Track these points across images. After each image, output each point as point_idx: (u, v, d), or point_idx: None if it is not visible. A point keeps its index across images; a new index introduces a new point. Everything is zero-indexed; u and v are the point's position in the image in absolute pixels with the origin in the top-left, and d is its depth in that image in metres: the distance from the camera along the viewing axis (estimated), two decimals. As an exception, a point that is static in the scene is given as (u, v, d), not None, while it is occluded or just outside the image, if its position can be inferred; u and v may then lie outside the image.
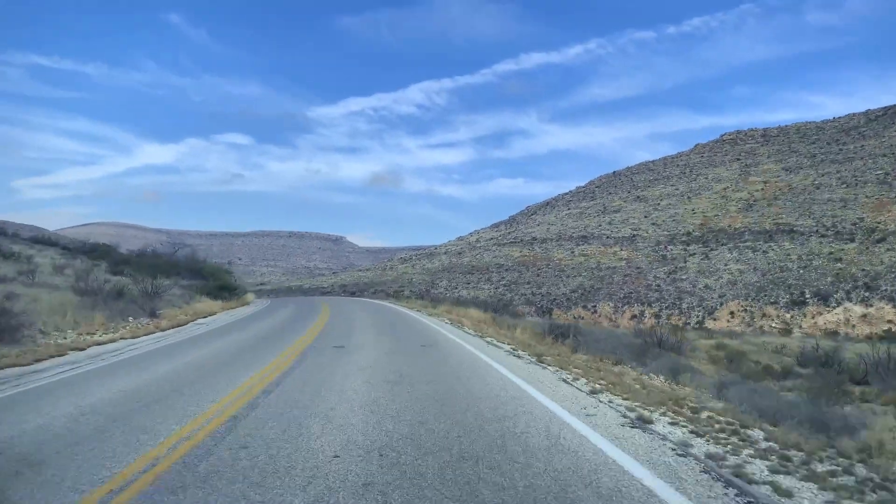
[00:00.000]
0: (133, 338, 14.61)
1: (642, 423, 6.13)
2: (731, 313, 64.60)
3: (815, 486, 4.30)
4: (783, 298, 63.13)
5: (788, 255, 72.67)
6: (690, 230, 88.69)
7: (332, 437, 5.39)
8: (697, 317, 64.63)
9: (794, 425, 6.05)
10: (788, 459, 4.86)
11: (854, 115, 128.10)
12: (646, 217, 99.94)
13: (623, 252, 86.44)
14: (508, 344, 14.58)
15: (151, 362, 10.76)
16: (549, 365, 11.01)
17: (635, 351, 14.28)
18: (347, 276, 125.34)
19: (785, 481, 4.37)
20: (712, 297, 67.57)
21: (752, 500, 4.00)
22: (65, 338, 13.57)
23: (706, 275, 73.48)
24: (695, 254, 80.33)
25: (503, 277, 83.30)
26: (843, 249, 70.36)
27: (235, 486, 4.12)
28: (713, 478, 4.39)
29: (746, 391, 8.74)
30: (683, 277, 74.44)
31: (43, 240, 40.07)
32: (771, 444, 5.27)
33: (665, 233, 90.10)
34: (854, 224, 75.15)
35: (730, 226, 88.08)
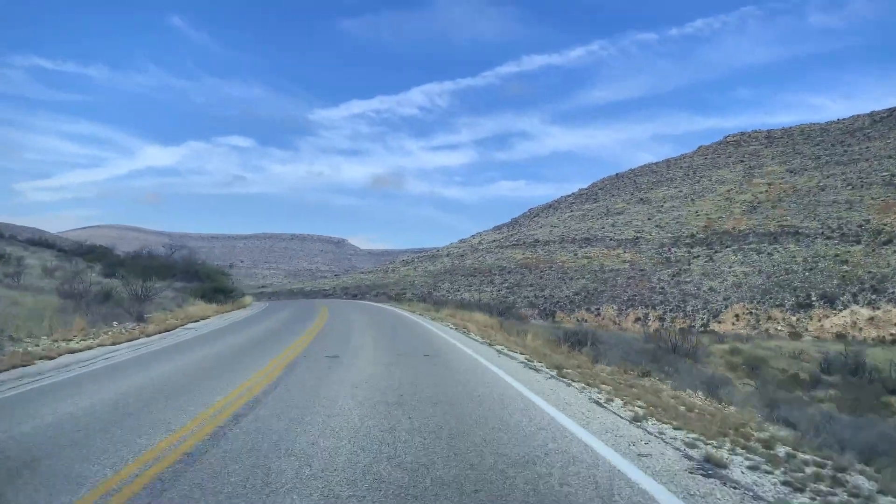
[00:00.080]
0: (113, 344, 13.63)
1: (714, 467, 4.83)
2: (736, 316, 63.68)
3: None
4: (789, 301, 62.21)
5: (794, 257, 71.74)
6: (694, 232, 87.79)
7: (306, 489, 4.13)
8: (702, 319, 63.70)
9: (892, 462, 5.06)
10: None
11: (859, 116, 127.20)
12: (649, 219, 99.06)
13: (626, 254, 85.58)
14: (521, 353, 13.36)
15: (120, 375, 9.63)
16: (573, 380, 9.78)
17: (649, 357, 13.40)
18: (349, 278, 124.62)
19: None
20: (717, 300, 66.68)
21: None
22: (37, 345, 12.47)
23: (710, 277, 72.58)
24: (699, 256, 79.43)
25: (505, 280, 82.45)
26: (849, 252, 69.41)
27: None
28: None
29: (801, 411, 7.76)
30: (687, 280, 73.54)
31: (40, 242, 39.36)
32: (891, 500, 4.17)
33: (669, 235, 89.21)
34: (860, 226, 74.19)
35: (734, 228, 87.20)
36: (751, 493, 4.27)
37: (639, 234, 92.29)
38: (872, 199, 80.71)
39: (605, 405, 7.70)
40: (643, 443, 5.81)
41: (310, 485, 4.27)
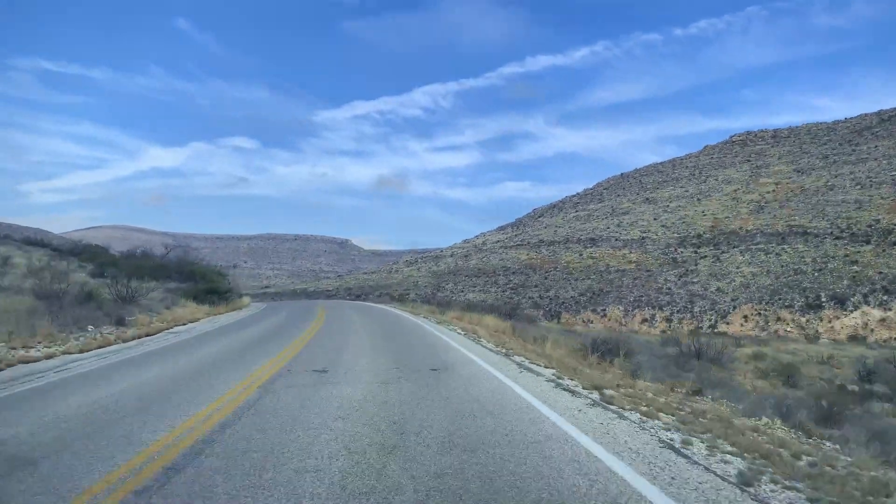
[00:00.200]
0: (80, 352, 12.49)
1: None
2: (745, 317, 62.82)
3: None
4: (798, 302, 61.33)
5: (802, 257, 70.82)
6: (701, 232, 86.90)
7: None
8: (710, 321, 62.88)
9: None
10: None
11: (866, 115, 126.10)
12: (655, 219, 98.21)
13: (632, 255, 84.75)
14: (544, 365, 11.50)
15: (54, 398, 8.10)
16: (623, 407, 7.69)
17: (672, 363, 12.55)
18: (352, 279, 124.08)
19: None
20: (725, 301, 65.83)
21: None
22: (-8, 352, 11.19)
23: (718, 278, 71.71)
24: (706, 256, 78.56)
25: (510, 280, 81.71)
26: (858, 252, 68.48)
27: None
28: None
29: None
30: (695, 280, 72.69)
31: (35, 241, 38.91)
32: None
33: (675, 235, 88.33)
34: (870, 226, 73.22)
35: (741, 228, 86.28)
36: None
37: (645, 235, 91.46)
38: (882, 198, 79.71)
39: (685, 451, 5.71)
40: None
41: None
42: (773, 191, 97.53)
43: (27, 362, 10.89)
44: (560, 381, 9.84)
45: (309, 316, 26.35)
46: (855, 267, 64.51)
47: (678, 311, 65.05)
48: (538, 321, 27.87)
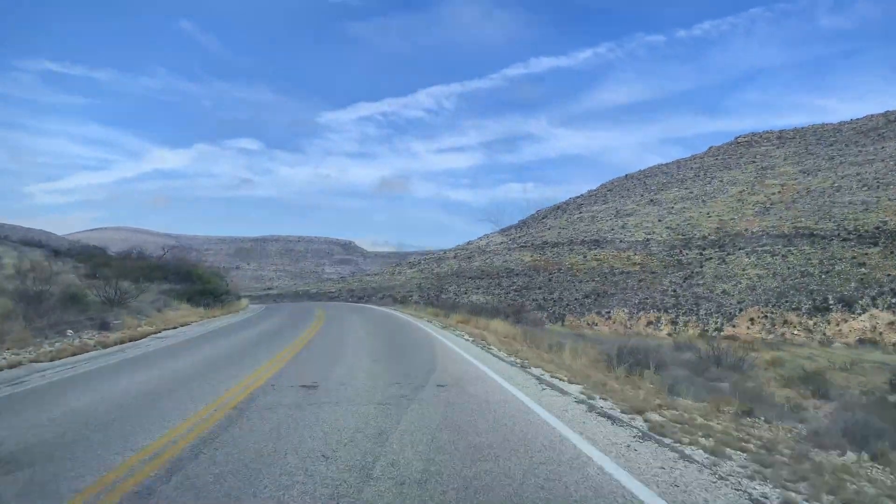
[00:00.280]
0: (51, 360, 11.69)
1: None
2: (751, 320, 62.16)
3: None
4: (805, 304, 60.70)
5: (809, 259, 70.16)
6: (706, 234, 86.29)
7: None
8: (716, 323, 62.26)
9: None
10: None
11: (872, 116, 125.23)
12: (660, 221, 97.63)
13: (637, 256, 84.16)
14: (567, 379, 10.24)
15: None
16: (680, 440, 6.39)
17: (690, 370, 11.92)
18: (355, 280, 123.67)
19: None
20: (731, 303, 65.18)
21: None
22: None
23: (723, 280, 71.08)
24: (711, 258, 77.92)
25: (514, 282, 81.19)
26: (866, 254, 67.80)
27: None
28: None
29: None
30: (700, 283, 72.06)
31: (32, 242, 38.59)
32: None
33: (680, 237, 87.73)
34: (877, 228, 72.54)
35: (747, 229, 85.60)
36: None
37: (649, 236, 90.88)
38: (889, 199, 79.01)
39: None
40: None
41: None
42: (779, 192, 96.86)
43: (-14, 373, 9.89)
44: (591, 401, 8.46)
45: (307, 320, 25.63)
46: (863, 269, 63.81)
47: (683, 314, 64.42)
48: (544, 324, 27.30)
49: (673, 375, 11.01)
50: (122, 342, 14.89)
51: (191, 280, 28.46)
